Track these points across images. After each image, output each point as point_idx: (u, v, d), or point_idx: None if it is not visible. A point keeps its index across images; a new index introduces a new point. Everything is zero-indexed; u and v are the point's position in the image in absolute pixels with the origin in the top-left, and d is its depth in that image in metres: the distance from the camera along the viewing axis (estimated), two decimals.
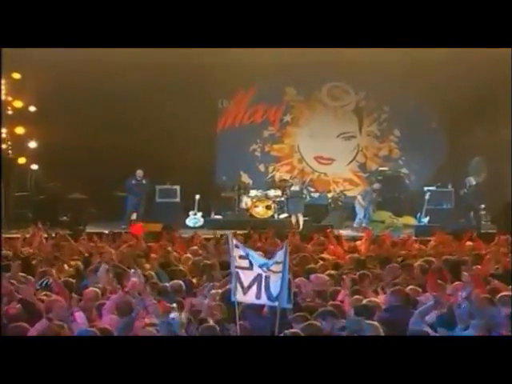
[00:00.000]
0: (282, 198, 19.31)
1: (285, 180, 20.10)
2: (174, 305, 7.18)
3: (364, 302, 7.60)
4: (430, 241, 13.25)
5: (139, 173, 18.99)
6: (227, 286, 8.15)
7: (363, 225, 18.31)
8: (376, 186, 19.49)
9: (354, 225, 18.65)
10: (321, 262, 10.59)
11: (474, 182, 18.83)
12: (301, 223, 18.50)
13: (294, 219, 18.58)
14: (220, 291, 8.14)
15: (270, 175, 20.86)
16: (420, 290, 8.27)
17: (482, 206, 18.57)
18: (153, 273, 9.63)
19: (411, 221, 18.71)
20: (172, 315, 6.86)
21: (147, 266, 10.50)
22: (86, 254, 11.43)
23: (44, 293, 8.14)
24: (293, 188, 19.15)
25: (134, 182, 19.01)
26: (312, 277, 9.08)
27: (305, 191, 19.62)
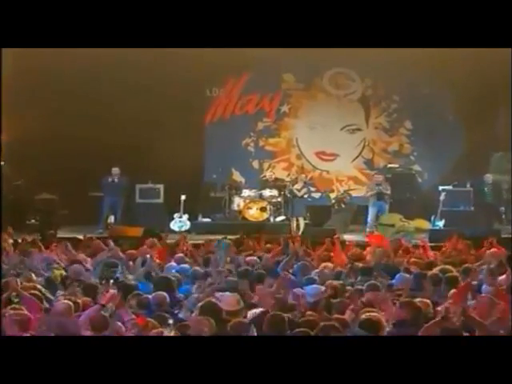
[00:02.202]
0: (279, 199, 19.34)
1: (279, 179, 20.09)
2: (171, 321, 7.23)
3: (368, 315, 7.63)
4: (445, 247, 13.29)
5: (115, 170, 19.02)
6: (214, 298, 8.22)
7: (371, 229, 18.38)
8: (377, 177, 19.43)
9: (367, 229, 18.68)
10: (322, 271, 10.66)
11: (491, 180, 18.89)
12: (301, 227, 18.53)
13: (294, 223, 18.61)
14: (203, 303, 8.17)
15: (264, 173, 20.85)
16: (430, 302, 8.32)
17: (502, 208, 18.61)
18: (134, 283, 9.69)
19: (424, 224, 18.75)
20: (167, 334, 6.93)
21: (127, 275, 10.56)
22: (58, 262, 11.45)
23: (12, 306, 8.15)
24: (295, 187, 19.12)
25: (110, 180, 19.04)
26: (307, 288, 9.15)
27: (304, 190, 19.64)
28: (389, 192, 19.04)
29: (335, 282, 9.60)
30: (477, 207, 18.83)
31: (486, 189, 18.92)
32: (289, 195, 19.34)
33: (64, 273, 10.82)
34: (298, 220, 18.84)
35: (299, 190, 19.40)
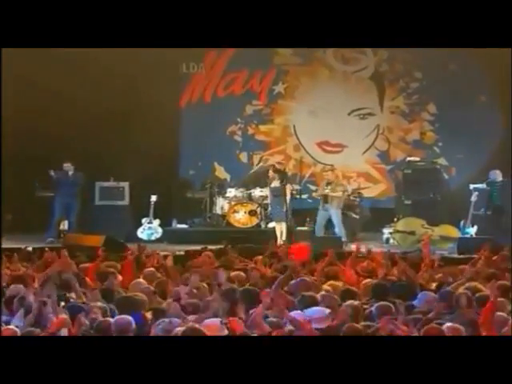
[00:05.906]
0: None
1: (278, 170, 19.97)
2: None
3: None
4: (476, 258, 13.33)
5: (67, 166, 18.97)
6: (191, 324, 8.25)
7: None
8: (326, 175, 19.21)
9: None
10: (325, 290, 10.65)
11: (500, 178, 18.93)
12: (284, 233, 18.38)
13: (277, 229, 18.46)
14: (183, 329, 8.18)
15: (255, 168, 20.85)
16: (462, 328, 8.33)
17: None
18: (91, 304, 9.67)
19: (452, 232, 18.77)
20: None
21: (83, 294, 10.55)
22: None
23: None
24: (273, 184, 18.93)
25: (62, 177, 19.00)
26: (308, 312, 9.13)
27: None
28: (338, 194, 18.60)
29: (348, 302, 9.58)
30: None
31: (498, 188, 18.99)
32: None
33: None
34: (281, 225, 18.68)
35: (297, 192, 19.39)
